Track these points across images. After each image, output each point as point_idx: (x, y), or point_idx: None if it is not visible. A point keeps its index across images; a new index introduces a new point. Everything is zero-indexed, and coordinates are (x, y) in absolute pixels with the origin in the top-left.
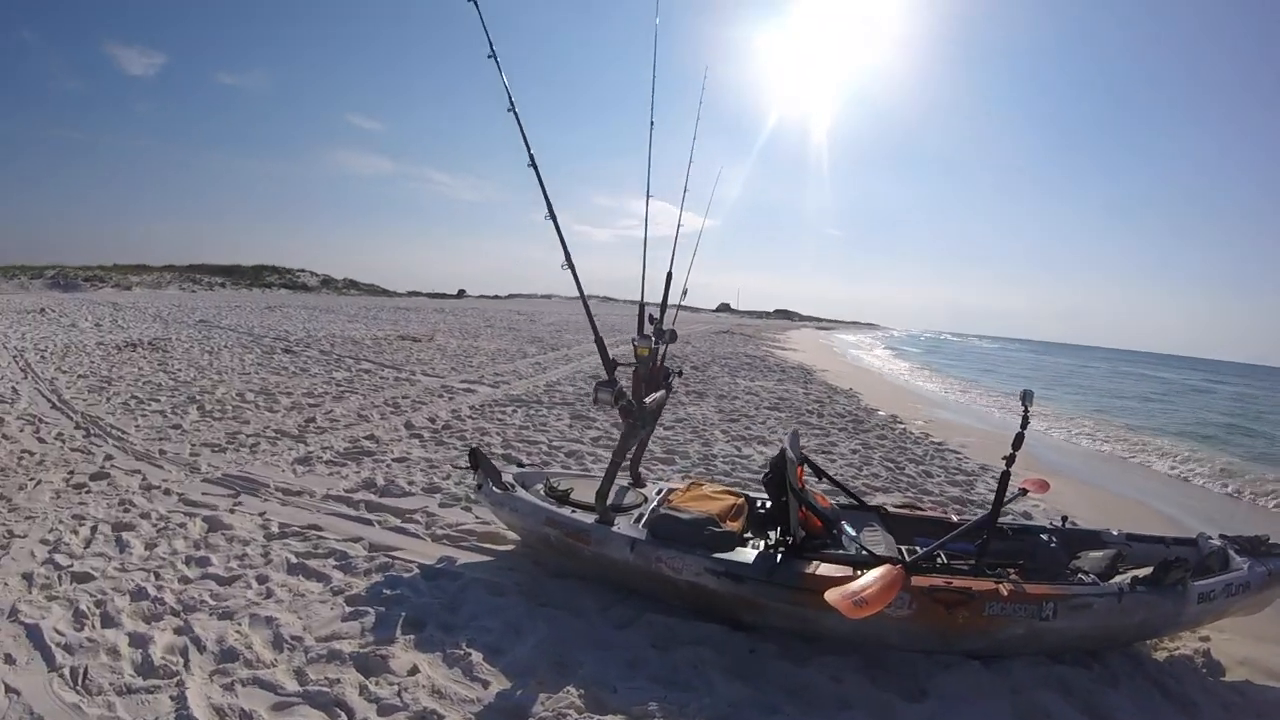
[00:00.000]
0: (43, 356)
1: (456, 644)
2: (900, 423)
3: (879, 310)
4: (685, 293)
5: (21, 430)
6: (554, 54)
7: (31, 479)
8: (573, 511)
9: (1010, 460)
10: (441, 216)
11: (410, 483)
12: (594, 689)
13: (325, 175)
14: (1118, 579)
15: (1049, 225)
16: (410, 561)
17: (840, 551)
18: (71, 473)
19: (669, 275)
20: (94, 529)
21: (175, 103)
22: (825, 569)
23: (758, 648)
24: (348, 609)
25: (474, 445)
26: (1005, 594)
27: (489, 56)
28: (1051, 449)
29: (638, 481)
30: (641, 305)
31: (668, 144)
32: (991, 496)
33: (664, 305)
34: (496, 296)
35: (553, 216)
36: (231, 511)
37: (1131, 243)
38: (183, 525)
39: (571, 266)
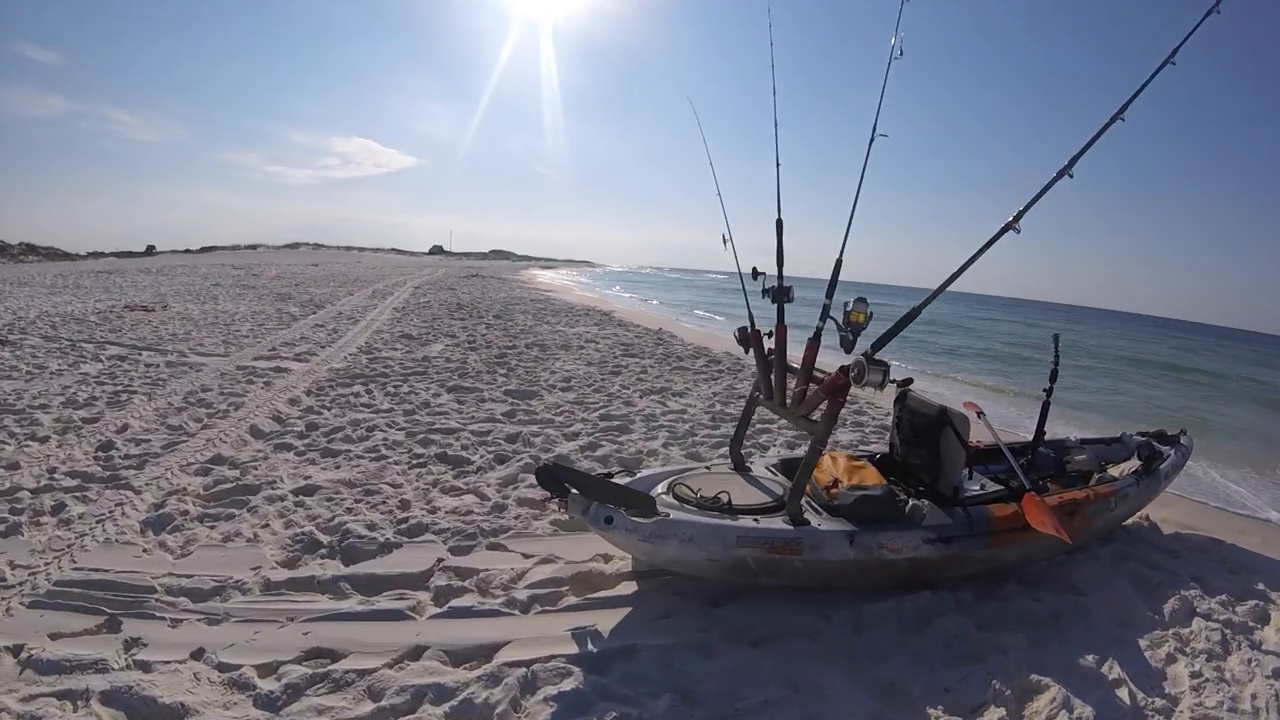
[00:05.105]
0: None
1: None
2: (733, 355)
3: (592, 250)
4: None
5: None
6: None
7: None
8: (756, 521)
9: (1049, 392)
10: (119, 162)
11: (370, 526)
12: (941, 698)
13: None
14: (1115, 470)
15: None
16: (547, 658)
17: (979, 490)
18: None
19: (779, 222)
20: None
21: None
22: (998, 509)
23: (957, 597)
24: None
25: (548, 461)
26: (1094, 498)
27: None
28: None
29: (739, 465)
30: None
31: (369, 71)
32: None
33: (780, 258)
34: (189, 251)
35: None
36: (145, 670)
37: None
38: None
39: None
